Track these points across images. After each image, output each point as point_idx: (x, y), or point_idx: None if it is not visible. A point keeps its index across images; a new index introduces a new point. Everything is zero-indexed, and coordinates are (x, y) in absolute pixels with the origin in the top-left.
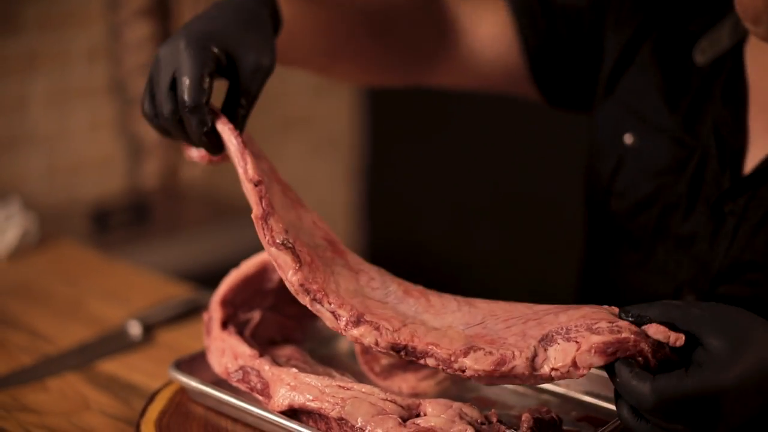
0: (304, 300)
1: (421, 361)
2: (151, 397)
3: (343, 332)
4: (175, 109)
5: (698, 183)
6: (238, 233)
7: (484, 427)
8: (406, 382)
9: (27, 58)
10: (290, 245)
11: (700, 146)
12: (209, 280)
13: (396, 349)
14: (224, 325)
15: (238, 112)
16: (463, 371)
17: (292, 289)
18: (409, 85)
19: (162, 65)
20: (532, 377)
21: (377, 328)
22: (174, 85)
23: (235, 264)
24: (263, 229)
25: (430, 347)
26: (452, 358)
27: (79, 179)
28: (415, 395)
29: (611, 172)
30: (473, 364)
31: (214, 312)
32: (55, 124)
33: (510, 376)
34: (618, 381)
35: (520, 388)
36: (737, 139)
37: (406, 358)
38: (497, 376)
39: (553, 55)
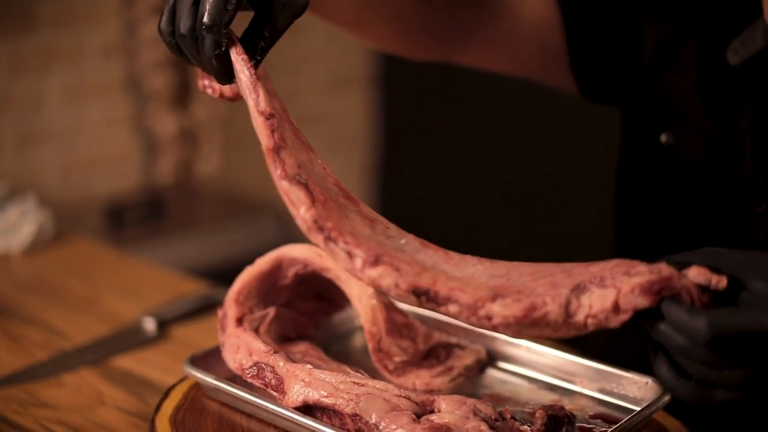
0: (317, 238)
1: (442, 309)
2: (166, 393)
3: (358, 274)
4: (193, 25)
5: (733, 184)
6: (253, 230)
7: (498, 423)
8: (419, 378)
9: (42, 54)
10: (303, 181)
11: (735, 147)
12: (224, 276)
13: (417, 292)
14: (239, 321)
15: (258, 43)
16: (490, 319)
17: (304, 227)
18: (440, 60)
19: None
20: (565, 325)
21: (397, 269)
22: (198, 1)
23: (250, 260)
24: (275, 161)
25: (454, 292)
26: (478, 304)
27: (95, 175)
28: (429, 392)
29: (646, 171)
30: (502, 310)
31: (229, 308)
32: (71, 120)
33: (541, 324)
34: (665, 321)
35: (534, 384)
36: None
37: (426, 305)
38: (528, 323)
39: (594, 44)
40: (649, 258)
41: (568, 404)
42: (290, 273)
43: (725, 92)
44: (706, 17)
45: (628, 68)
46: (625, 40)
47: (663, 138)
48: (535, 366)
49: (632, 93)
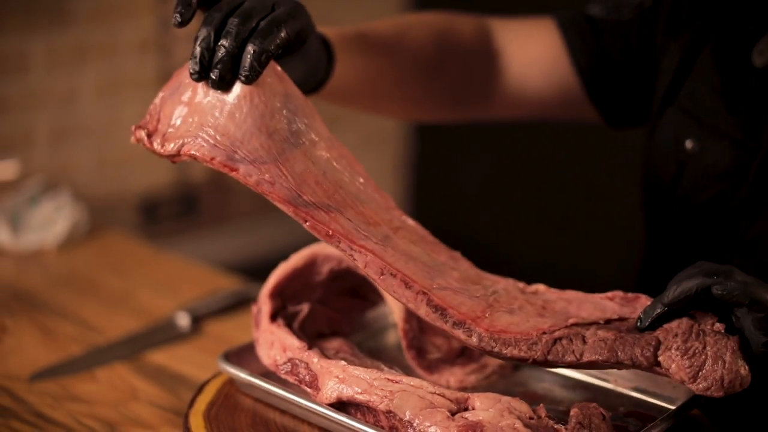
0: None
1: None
2: (200, 389)
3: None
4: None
5: (761, 185)
6: (287, 225)
7: (532, 421)
8: (453, 375)
9: (77, 50)
10: None
11: (761, 148)
12: (258, 272)
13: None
14: (273, 317)
15: None
16: None
17: None
18: (461, 120)
19: None
20: None
21: None
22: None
23: (285, 256)
24: None
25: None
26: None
27: (129, 171)
28: (463, 389)
29: (672, 178)
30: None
31: (263, 304)
32: (105, 116)
33: None
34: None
35: (568, 382)
36: None
37: None
38: None
39: (607, 73)
40: (679, 264)
41: (603, 403)
42: (325, 269)
43: (750, 94)
44: (726, 21)
45: (645, 89)
46: (636, 62)
47: (687, 144)
48: None
49: (653, 106)
